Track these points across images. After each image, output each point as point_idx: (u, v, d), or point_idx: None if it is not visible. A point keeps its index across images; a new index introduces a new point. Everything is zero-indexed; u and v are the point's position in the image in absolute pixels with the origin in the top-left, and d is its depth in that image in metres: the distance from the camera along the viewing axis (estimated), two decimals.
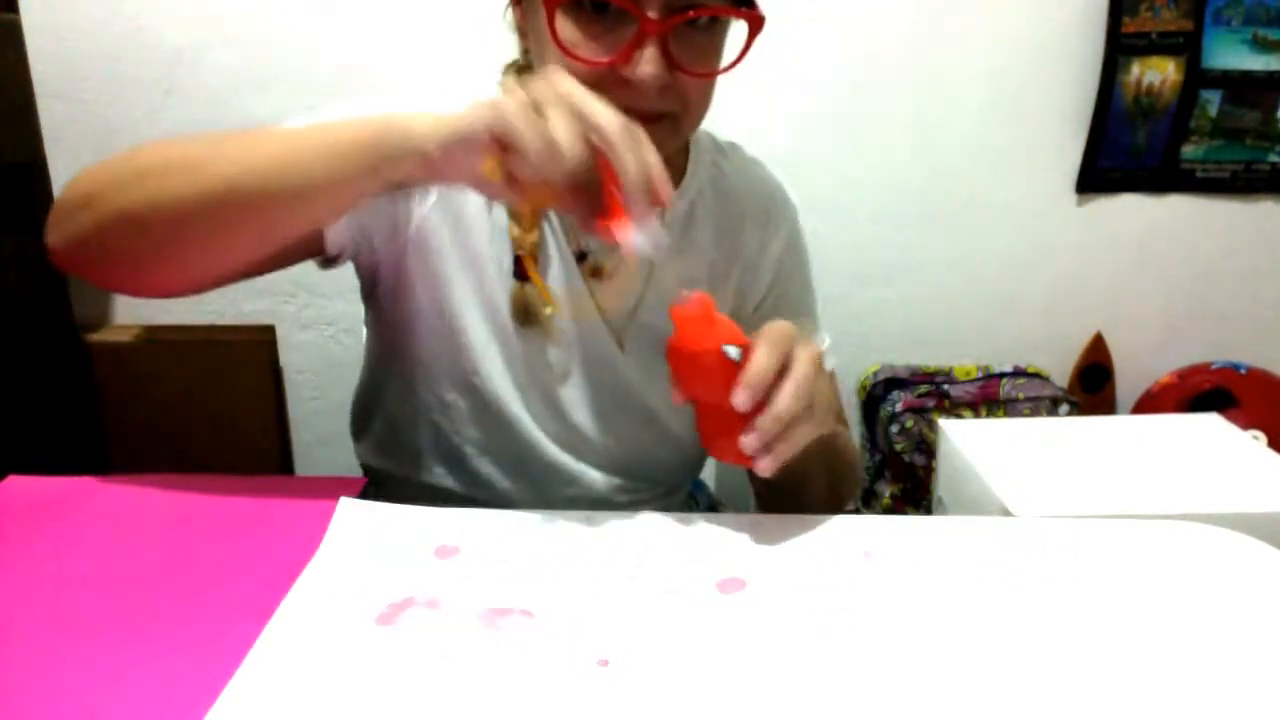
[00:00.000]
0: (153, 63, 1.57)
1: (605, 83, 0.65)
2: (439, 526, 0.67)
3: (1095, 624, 0.57)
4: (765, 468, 0.63)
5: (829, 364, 0.83)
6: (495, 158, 0.58)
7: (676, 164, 0.83)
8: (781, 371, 0.63)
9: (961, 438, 1.34)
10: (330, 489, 0.73)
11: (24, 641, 0.53)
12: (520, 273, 0.77)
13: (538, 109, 0.57)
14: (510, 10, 0.76)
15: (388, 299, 0.82)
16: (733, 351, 0.63)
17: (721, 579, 0.61)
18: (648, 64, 0.65)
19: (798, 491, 0.78)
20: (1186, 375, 1.77)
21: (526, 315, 0.78)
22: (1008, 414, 1.67)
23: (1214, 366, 1.76)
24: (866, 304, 1.75)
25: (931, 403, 1.64)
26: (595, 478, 0.84)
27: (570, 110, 0.57)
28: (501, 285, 0.78)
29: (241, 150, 0.63)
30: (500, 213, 0.78)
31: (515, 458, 0.83)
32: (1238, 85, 1.68)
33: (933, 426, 1.57)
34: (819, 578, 0.61)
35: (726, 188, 0.87)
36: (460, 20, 1.62)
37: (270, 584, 0.56)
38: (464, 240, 0.78)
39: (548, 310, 0.78)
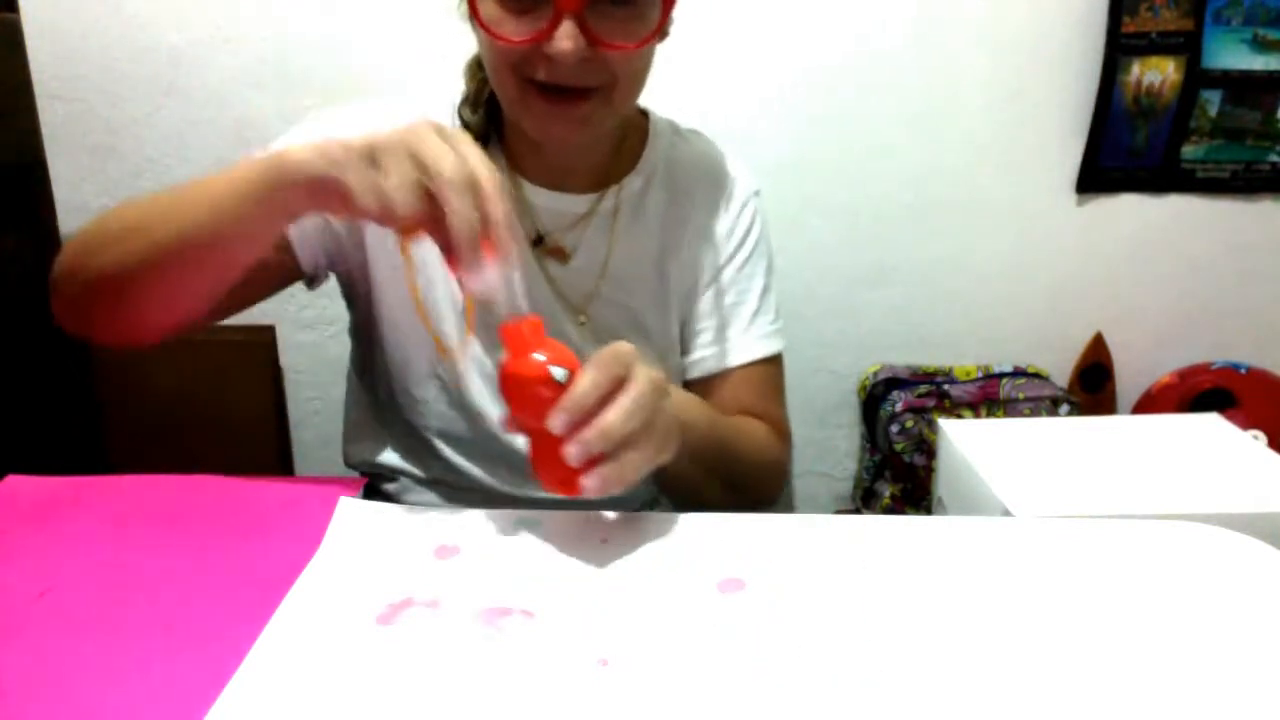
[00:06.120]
0: (153, 63, 1.56)
1: (531, 61, 0.70)
2: (439, 526, 0.67)
3: (1095, 624, 0.57)
4: (591, 488, 0.59)
5: (768, 349, 0.88)
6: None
7: (633, 145, 0.86)
8: (615, 391, 0.59)
9: (961, 438, 1.34)
10: (330, 489, 0.73)
11: (24, 641, 0.53)
12: None
13: (375, 156, 0.57)
14: (462, 3, 0.79)
15: (363, 302, 0.85)
16: (559, 374, 0.59)
17: (721, 579, 0.61)
18: (564, 39, 0.68)
19: (685, 495, 0.79)
20: (1186, 375, 1.77)
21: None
22: (1008, 414, 1.66)
23: (1214, 366, 1.76)
24: (866, 304, 1.75)
25: (931, 403, 1.64)
26: None
27: (409, 158, 0.56)
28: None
29: (168, 207, 0.67)
30: None
31: (484, 446, 0.86)
32: (1238, 85, 1.67)
33: (933, 426, 1.57)
34: (819, 578, 0.61)
35: (679, 164, 0.88)
36: (461, 20, 1.62)
37: (270, 584, 0.56)
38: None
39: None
